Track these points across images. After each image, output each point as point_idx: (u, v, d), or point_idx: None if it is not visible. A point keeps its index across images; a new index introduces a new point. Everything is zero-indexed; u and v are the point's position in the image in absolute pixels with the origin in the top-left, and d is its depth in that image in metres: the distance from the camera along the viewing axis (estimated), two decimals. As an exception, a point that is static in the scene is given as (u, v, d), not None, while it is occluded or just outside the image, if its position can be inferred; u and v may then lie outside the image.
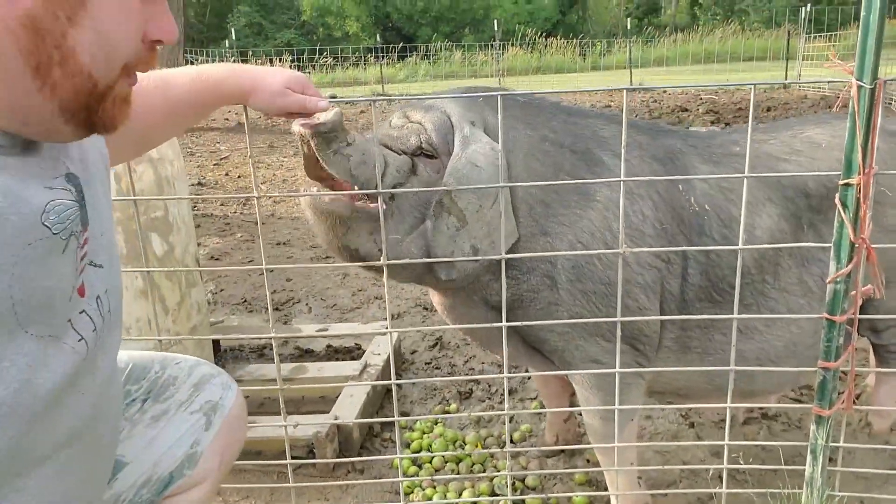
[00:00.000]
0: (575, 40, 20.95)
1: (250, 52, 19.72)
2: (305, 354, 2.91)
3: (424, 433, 2.29)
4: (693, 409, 2.32)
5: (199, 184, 6.18)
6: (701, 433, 2.25)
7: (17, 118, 0.75)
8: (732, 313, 1.40)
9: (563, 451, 2.16)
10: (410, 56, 20.84)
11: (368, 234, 1.43)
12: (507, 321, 1.44)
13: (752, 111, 1.33)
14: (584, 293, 1.54)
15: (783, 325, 1.64)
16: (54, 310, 0.78)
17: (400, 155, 1.47)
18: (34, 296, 0.75)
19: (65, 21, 0.73)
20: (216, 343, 2.87)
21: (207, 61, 19.70)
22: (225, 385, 1.22)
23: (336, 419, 2.17)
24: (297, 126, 1.31)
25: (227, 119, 11.27)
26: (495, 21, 17.18)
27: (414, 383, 2.60)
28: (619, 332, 1.40)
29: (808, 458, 1.45)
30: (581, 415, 2.05)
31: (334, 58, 19.82)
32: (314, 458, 2.10)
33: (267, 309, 3.54)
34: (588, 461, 2.12)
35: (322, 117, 1.30)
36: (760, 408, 2.29)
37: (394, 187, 1.42)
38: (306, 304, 3.49)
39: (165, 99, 1.20)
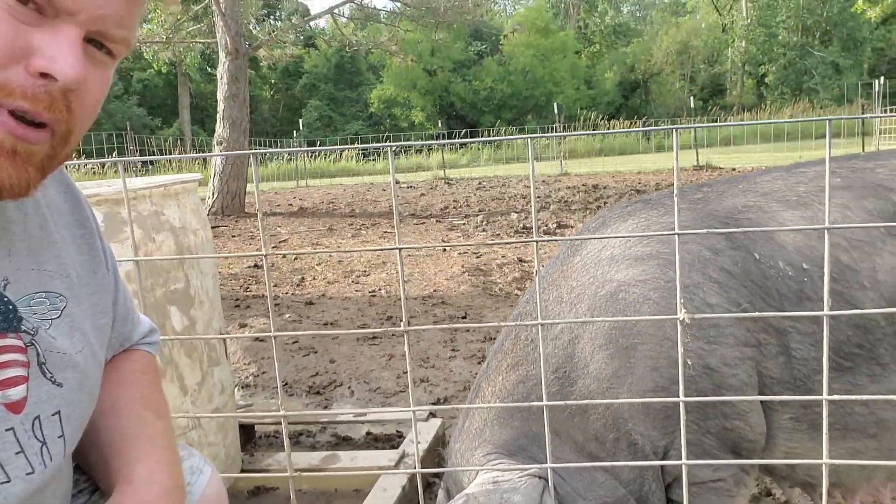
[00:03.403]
0: (639, 122, 20.95)
1: (318, 143, 20.46)
2: (343, 442, 2.67)
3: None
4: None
5: (256, 266, 6.16)
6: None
7: None
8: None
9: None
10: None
11: None
12: None
13: (828, 147, 1.07)
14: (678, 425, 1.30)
15: None
16: None
17: None
18: None
19: None
20: (250, 428, 2.67)
21: (277, 146, 20.58)
22: (195, 469, 1.00)
23: (363, 518, 1.91)
24: None
25: (291, 204, 11.47)
26: (555, 105, 17.33)
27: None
28: (682, 414, 1.13)
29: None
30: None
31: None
32: (338, 563, 1.83)
33: (308, 392, 3.35)
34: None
35: None
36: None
37: None
38: (349, 388, 3.26)
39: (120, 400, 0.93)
